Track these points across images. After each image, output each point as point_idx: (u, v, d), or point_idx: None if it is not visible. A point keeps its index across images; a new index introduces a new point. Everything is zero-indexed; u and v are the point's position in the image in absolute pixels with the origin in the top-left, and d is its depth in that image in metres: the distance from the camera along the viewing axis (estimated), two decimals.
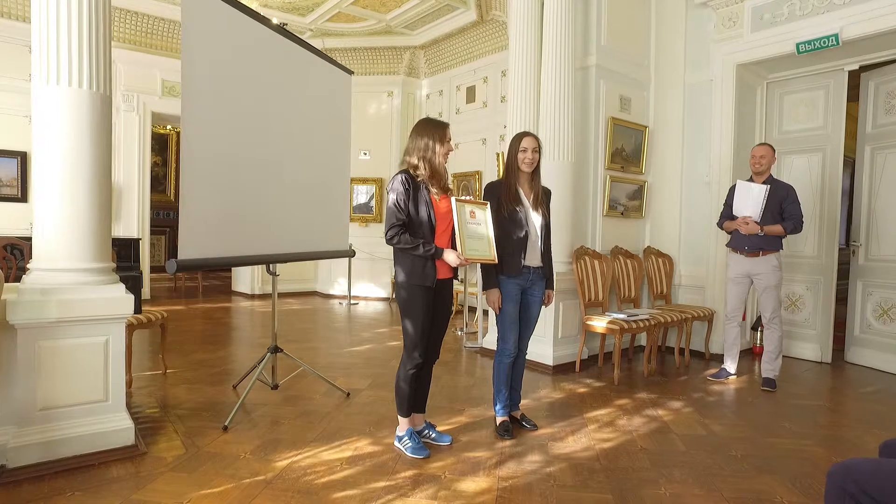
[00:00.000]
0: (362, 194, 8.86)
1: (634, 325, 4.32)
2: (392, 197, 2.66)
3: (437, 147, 2.72)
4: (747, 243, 4.22)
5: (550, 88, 4.72)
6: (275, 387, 3.73)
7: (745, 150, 5.30)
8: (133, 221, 7.84)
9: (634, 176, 5.48)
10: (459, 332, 6.04)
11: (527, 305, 3.19)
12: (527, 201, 3.11)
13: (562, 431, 3.18)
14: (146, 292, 7.78)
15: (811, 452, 2.99)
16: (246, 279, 9.01)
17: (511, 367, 3.20)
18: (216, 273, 10.27)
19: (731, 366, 4.47)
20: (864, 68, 5.01)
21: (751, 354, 5.28)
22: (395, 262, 2.79)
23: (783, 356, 4.60)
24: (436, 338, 2.90)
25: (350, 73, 4.38)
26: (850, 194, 6.24)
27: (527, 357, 3.36)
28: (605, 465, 2.73)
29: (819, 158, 5.18)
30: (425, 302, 2.74)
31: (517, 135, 3.18)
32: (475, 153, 7.97)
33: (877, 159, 5.04)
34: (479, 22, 7.57)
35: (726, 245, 4.48)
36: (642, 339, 5.22)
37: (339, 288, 8.82)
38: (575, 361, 4.64)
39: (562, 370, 4.54)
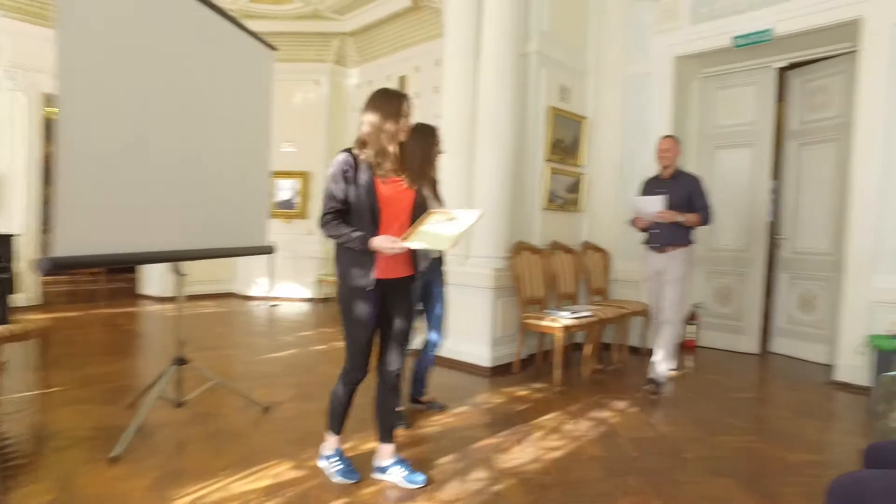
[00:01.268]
0: (286, 189, 8.29)
1: (577, 323, 4.15)
2: (330, 179, 2.31)
3: (388, 124, 2.31)
4: (658, 240, 4.10)
5: (490, 76, 4.47)
6: (180, 404, 3.22)
7: (683, 143, 5.27)
8: (18, 215, 6.92)
9: (573, 168, 5.34)
10: None
11: (430, 296, 3.30)
12: (429, 193, 3.06)
13: (506, 441, 2.92)
14: (34, 297, 6.91)
15: (759, 449, 2.91)
16: (155, 280, 8.21)
17: None
18: (122, 274, 9.37)
19: (671, 363, 4.34)
20: (792, 66, 5.10)
21: (683, 347, 5.28)
22: (334, 258, 2.40)
23: (723, 349, 4.60)
24: (395, 347, 2.47)
25: (273, 48, 3.92)
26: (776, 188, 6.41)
27: (464, 359, 3.62)
28: (557, 479, 2.49)
29: (750, 153, 5.23)
30: (365, 308, 2.32)
31: (431, 128, 3.13)
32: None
33: (802, 155, 5.15)
34: (413, 8, 7.22)
35: (642, 243, 4.31)
36: (579, 336, 5.08)
37: (259, 289, 8.22)
38: (513, 362, 4.42)
39: (500, 372, 4.30)
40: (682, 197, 4.00)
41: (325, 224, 2.27)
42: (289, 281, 8.10)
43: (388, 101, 2.35)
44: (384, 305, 2.40)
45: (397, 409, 3.07)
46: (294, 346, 5.08)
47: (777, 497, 2.40)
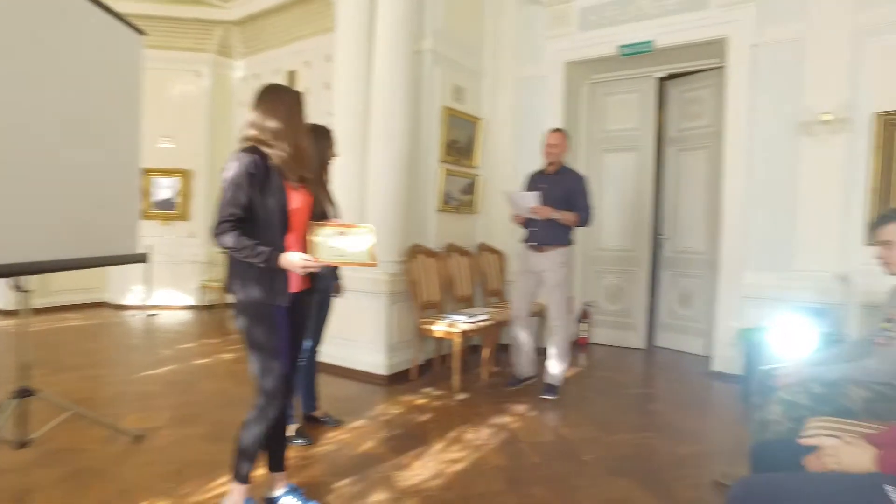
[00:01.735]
0: (164, 188, 7.59)
1: (475, 328, 4.11)
2: (230, 181, 1.94)
3: (292, 122, 2.05)
4: (535, 238, 3.91)
5: (384, 72, 4.30)
6: (23, 444, 2.71)
7: (572, 148, 5.42)
8: None
9: (468, 169, 5.32)
10: None
11: (321, 301, 3.13)
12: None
13: (406, 457, 2.79)
14: None
15: (651, 445, 3.02)
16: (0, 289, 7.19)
17: None
18: None
19: (522, 370, 4.09)
20: (670, 77, 5.42)
21: (576, 346, 5.44)
22: (230, 272, 2.06)
23: (613, 346, 4.77)
24: (290, 370, 2.22)
25: (140, 32, 3.49)
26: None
27: (358, 368, 3.54)
28: (461, 495, 2.40)
29: (635, 157, 5.50)
30: (280, 329, 2.06)
31: (326, 130, 2.99)
32: None
33: (680, 160, 5.49)
34: (304, 0, 6.89)
35: (520, 242, 4.11)
36: (476, 338, 5.07)
37: (134, 297, 7.45)
38: (410, 369, 4.30)
39: (397, 380, 4.16)
40: (563, 194, 3.82)
41: (221, 234, 1.93)
42: (168, 287, 7.41)
43: (288, 97, 2.10)
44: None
45: (292, 427, 2.88)
46: (173, 361, 4.62)
47: (671, 492, 2.47)
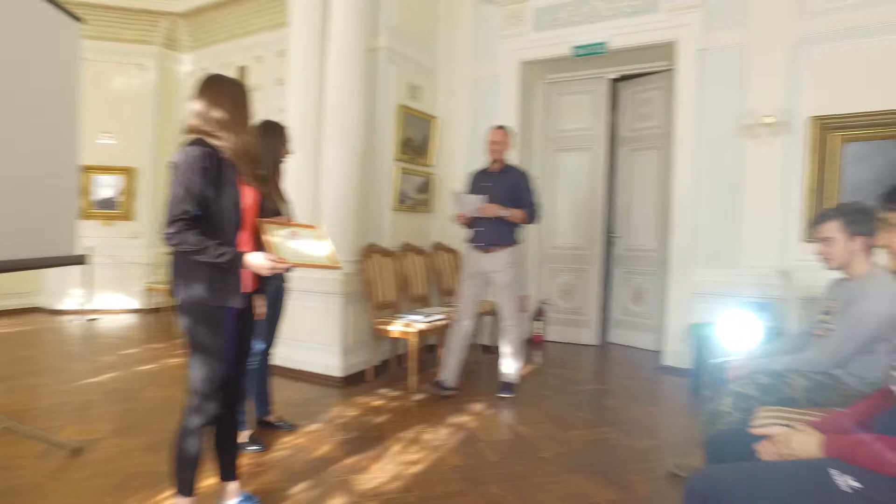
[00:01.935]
0: (106, 187, 7.24)
1: (431, 327, 4.08)
2: (183, 177, 1.82)
3: (237, 115, 1.95)
4: (482, 239, 3.80)
5: (338, 69, 4.22)
6: None
7: (527, 147, 5.49)
8: None
9: (423, 168, 5.29)
10: None
11: (275, 301, 3.01)
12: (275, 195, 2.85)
13: (364, 460, 2.74)
14: None
15: (607, 440, 3.06)
16: None
17: None
18: None
19: (448, 377, 3.86)
20: (622, 78, 5.54)
21: (531, 343, 5.50)
22: (174, 272, 1.94)
23: (568, 343, 4.83)
24: (240, 374, 2.14)
25: (78, 19, 3.30)
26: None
27: (313, 370, 3.60)
28: (420, 496, 2.37)
29: (589, 157, 5.59)
30: (226, 332, 1.97)
31: (280, 126, 2.92)
32: None
33: (631, 160, 5.61)
34: None
35: (465, 241, 4.01)
36: (432, 337, 5.04)
37: (73, 301, 7.07)
38: (365, 370, 4.24)
39: (352, 381, 4.08)
40: (508, 191, 3.75)
41: (177, 233, 1.81)
42: (110, 291, 7.07)
43: (232, 87, 2.00)
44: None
45: (245, 433, 2.80)
46: (115, 368, 4.40)
47: (628, 485, 2.51)
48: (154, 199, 7.26)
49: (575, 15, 5.01)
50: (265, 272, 1.94)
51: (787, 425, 1.64)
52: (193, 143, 1.89)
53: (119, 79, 7.35)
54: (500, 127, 3.94)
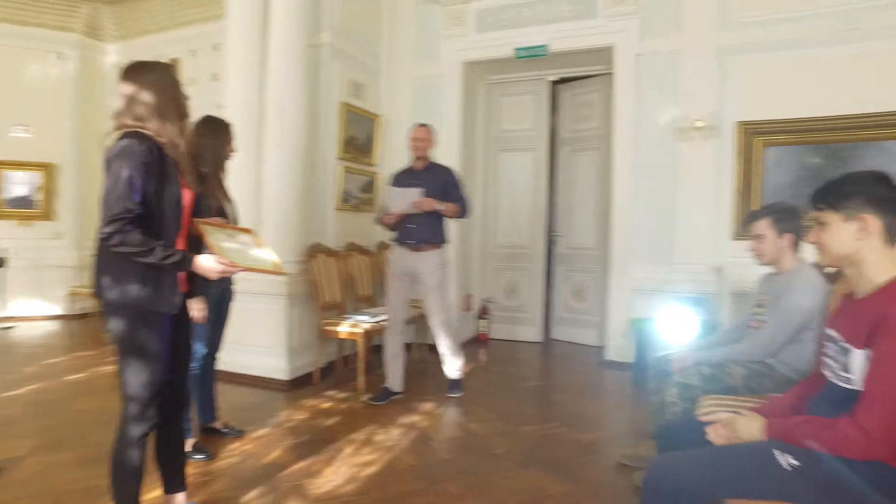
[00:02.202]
0: (20, 184, 6.71)
1: (378, 327, 4.05)
2: (123, 172, 1.69)
3: (171, 107, 1.85)
4: (413, 237, 3.68)
5: (279, 66, 4.11)
6: None
7: (471, 147, 5.54)
8: None
9: (366, 167, 5.23)
10: None
11: (220, 304, 2.93)
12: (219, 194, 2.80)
13: (316, 463, 2.68)
14: None
15: (557, 435, 3.13)
16: None
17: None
18: None
19: (395, 383, 3.77)
20: (562, 80, 5.68)
21: (477, 341, 5.57)
22: (99, 272, 1.81)
23: (512, 340, 4.89)
24: (181, 380, 2.04)
25: None
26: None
27: (258, 374, 3.67)
28: (377, 497, 2.35)
29: (531, 157, 5.71)
30: (162, 337, 1.87)
31: (225, 123, 2.82)
32: None
33: (571, 160, 5.77)
34: None
35: (391, 240, 3.89)
36: (378, 338, 4.99)
37: None
38: (312, 372, 4.15)
39: (299, 384, 3.99)
40: (438, 188, 3.66)
41: (117, 232, 1.68)
42: (28, 296, 6.58)
43: (160, 72, 1.88)
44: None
45: (189, 441, 2.68)
46: (38, 379, 4.09)
47: (580, 478, 2.58)
48: (78, 198, 6.83)
49: (516, 17, 5.09)
50: (214, 276, 1.87)
51: (732, 412, 1.75)
52: (129, 135, 1.77)
53: (35, 67, 6.84)
54: (423, 124, 3.87)
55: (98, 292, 1.84)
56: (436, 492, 2.40)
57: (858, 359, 1.39)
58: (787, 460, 1.41)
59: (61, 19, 6.89)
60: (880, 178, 1.46)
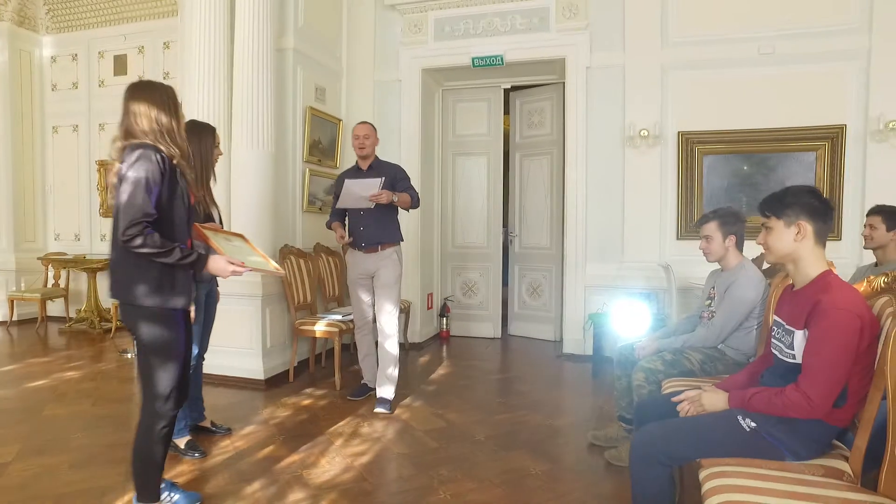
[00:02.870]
0: None
1: (351, 326, 4.18)
2: (140, 178, 1.86)
3: (174, 121, 2.04)
4: (367, 238, 3.64)
5: (247, 69, 4.14)
6: None
7: (429, 151, 5.74)
8: None
9: (330, 170, 5.32)
10: (130, 355, 4.91)
11: (207, 307, 3.00)
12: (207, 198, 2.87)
13: (310, 455, 2.81)
14: None
15: (530, 421, 3.39)
16: None
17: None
18: None
19: (371, 379, 3.81)
20: (514, 88, 5.98)
21: (439, 339, 5.79)
22: (118, 275, 1.98)
23: (471, 336, 5.08)
24: (187, 374, 2.19)
25: None
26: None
27: (234, 374, 3.81)
28: (377, 483, 2.52)
29: (485, 161, 5.97)
30: (185, 331, 2.06)
31: (209, 127, 2.89)
32: None
33: (524, 164, 6.09)
34: None
35: (347, 245, 3.80)
36: (347, 336, 5.12)
37: None
38: (287, 371, 4.24)
39: (275, 383, 4.08)
40: (387, 185, 3.54)
41: (138, 235, 1.84)
42: None
43: (170, 94, 2.06)
44: None
45: (182, 440, 2.77)
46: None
47: (557, 458, 2.85)
48: (13, 198, 6.51)
49: (473, 28, 5.33)
50: (225, 275, 2.06)
51: (697, 388, 2.05)
52: (140, 147, 1.92)
53: None
54: (365, 122, 3.81)
55: (121, 296, 1.97)
56: (430, 476, 2.59)
57: (799, 338, 1.70)
58: (747, 424, 1.72)
59: None
60: (812, 192, 1.79)
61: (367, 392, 3.82)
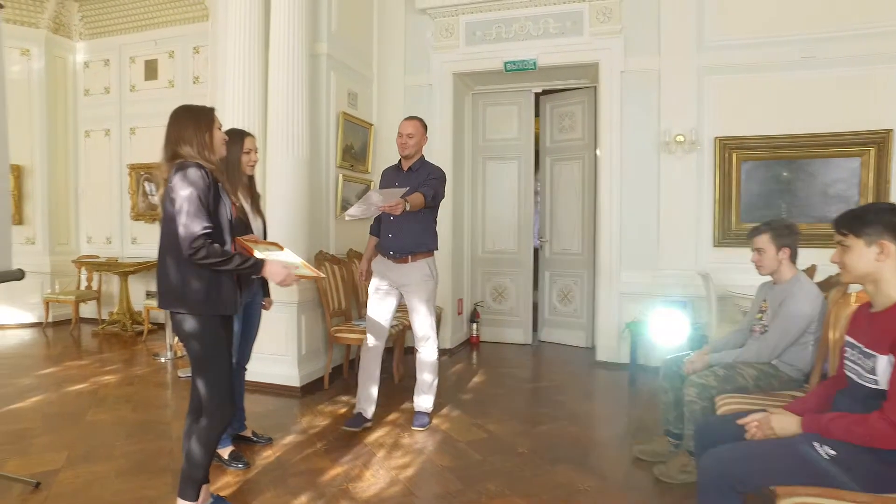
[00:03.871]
0: None
1: (393, 332, 4.16)
2: (192, 192, 1.99)
3: (212, 139, 2.17)
4: (395, 247, 3.31)
5: (282, 76, 4.14)
6: None
7: (459, 155, 5.70)
8: None
9: (362, 175, 5.33)
10: (163, 359, 4.95)
11: (249, 317, 2.97)
12: (246, 206, 2.89)
13: (354, 467, 2.80)
14: None
15: (572, 433, 3.34)
16: None
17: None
18: None
19: (367, 408, 3.36)
20: (545, 92, 5.92)
21: (469, 344, 5.75)
22: (167, 284, 2.09)
23: (502, 342, 5.03)
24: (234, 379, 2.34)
25: None
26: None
27: (269, 381, 3.79)
28: (424, 498, 2.50)
29: (516, 165, 5.93)
30: (228, 335, 2.19)
31: (238, 133, 2.87)
32: (160, 140, 6.59)
33: (554, 169, 6.03)
34: None
35: (375, 247, 3.53)
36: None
37: None
38: (322, 378, 4.24)
39: (309, 390, 4.08)
40: (415, 190, 3.18)
41: (203, 247, 1.98)
42: (2, 303, 6.32)
43: (203, 114, 2.17)
44: None
45: (226, 450, 2.77)
46: (39, 390, 4.01)
47: (604, 473, 2.79)
48: (49, 201, 6.60)
49: (505, 32, 5.29)
50: (277, 279, 2.17)
51: (763, 410, 1.99)
52: (186, 165, 2.05)
53: None
54: (413, 118, 3.45)
55: (170, 306, 2.09)
56: (476, 491, 2.56)
57: (883, 363, 1.64)
58: (825, 451, 1.65)
59: (27, 14, 6.64)
60: (895, 210, 1.73)
61: (362, 423, 3.30)
